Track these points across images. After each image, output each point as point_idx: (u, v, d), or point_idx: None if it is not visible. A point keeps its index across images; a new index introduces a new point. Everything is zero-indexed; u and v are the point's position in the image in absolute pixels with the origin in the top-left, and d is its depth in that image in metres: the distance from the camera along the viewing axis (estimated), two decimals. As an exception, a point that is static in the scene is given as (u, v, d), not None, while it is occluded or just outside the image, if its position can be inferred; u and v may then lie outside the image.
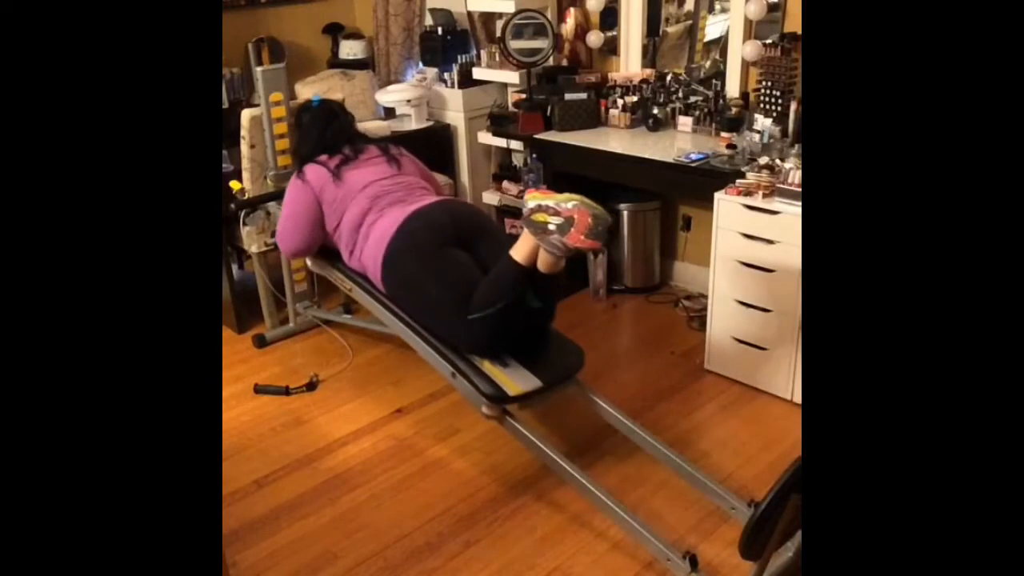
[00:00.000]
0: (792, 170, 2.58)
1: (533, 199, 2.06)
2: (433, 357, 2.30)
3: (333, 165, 2.57)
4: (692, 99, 3.32)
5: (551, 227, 1.98)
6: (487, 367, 2.20)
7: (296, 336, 3.39)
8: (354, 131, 2.80)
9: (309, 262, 2.79)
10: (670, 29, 3.52)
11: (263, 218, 3.10)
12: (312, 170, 2.59)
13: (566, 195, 2.02)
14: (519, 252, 2.10)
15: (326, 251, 2.69)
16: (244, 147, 3.07)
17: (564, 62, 3.74)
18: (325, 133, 2.70)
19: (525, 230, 2.06)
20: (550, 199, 2.02)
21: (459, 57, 3.97)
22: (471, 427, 2.66)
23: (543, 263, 2.07)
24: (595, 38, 3.53)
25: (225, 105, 3.92)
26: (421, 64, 4.21)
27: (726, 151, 2.88)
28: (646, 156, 3.00)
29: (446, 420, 2.73)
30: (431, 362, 2.33)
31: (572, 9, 3.62)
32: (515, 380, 2.17)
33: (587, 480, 2.07)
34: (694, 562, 1.90)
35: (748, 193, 2.63)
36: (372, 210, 2.44)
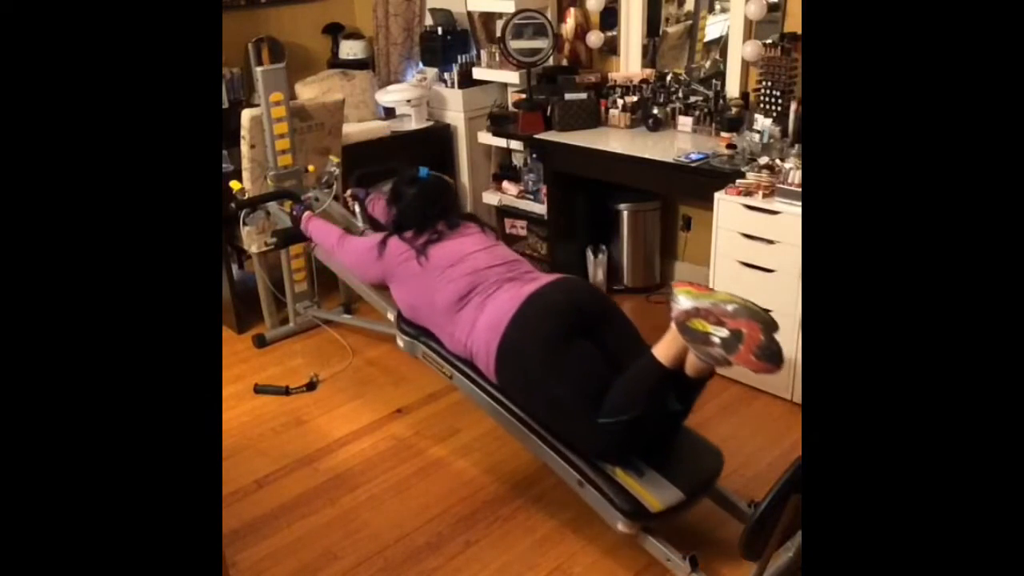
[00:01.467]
0: (792, 170, 2.58)
1: (686, 296, 1.77)
2: (556, 462, 2.03)
3: (420, 243, 2.26)
4: (692, 99, 3.32)
5: (715, 339, 1.69)
6: (620, 476, 1.93)
7: (296, 336, 3.39)
8: (455, 208, 2.52)
9: (401, 343, 2.43)
10: (670, 29, 3.52)
11: (263, 218, 3.10)
12: (395, 246, 2.29)
13: (723, 294, 1.75)
14: (665, 354, 1.82)
15: (418, 329, 2.35)
16: (244, 147, 3.07)
17: (564, 62, 3.74)
18: (428, 213, 2.35)
19: (675, 331, 1.78)
20: (706, 299, 1.74)
21: (459, 57, 3.97)
22: (471, 427, 2.67)
23: (693, 369, 1.81)
24: (595, 38, 3.53)
25: (225, 105, 3.92)
26: (421, 64, 4.21)
27: (726, 151, 2.88)
28: (646, 156, 3.00)
29: (446, 420, 2.73)
30: (553, 467, 2.06)
31: (572, 9, 3.62)
32: (654, 492, 1.90)
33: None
34: (694, 562, 1.89)
35: (748, 193, 2.63)
36: (478, 288, 2.13)
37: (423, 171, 2.53)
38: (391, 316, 2.51)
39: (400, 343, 2.43)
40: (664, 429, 2.01)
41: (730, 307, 1.70)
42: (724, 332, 1.68)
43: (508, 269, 2.20)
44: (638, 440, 1.94)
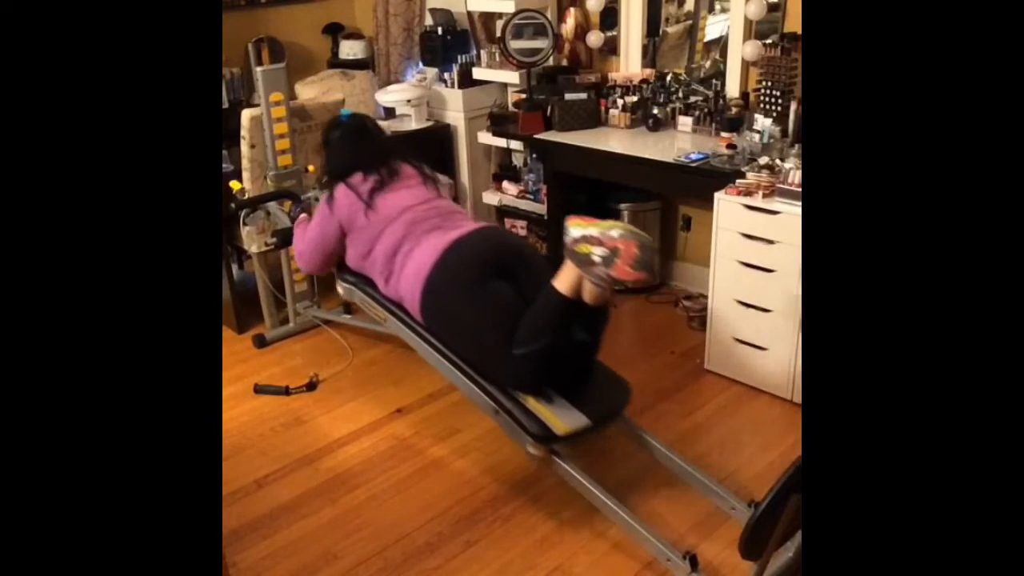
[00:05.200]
0: (792, 170, 2.58)
1: (576, 227, 1.95)
2: (475, 393, 2.20)
3: (366, 191, 2.40)
4: (692, 99, 3.33)
5: (596, 259, 1.89)
6: (532, 404, 2.09)
7: (296, 336, 3.39)
8: (386, 145, 2.67)
9: (341, 290, 2.64)
10: (670, 29, 3.52)
11: (263, 218, 3.10)
12: (342, 195, 2.42)
13: (609, 222, 1.93)
14: (563, 283, 1.99)
15: (357, 276, 2.54)
16: (244, 147, 3.07)
17: (564, 62, 3.74)
18: (357, 151, 2.54)
19: (568, 261, 1.96)
20: (593, 227, 1.93)
21: (459, 57, 3.97)
22: (471, 427, 2.66)
23: (589, 295, 1.97)
24: (595, 38, 3.53)
25: (225, 105, 3.92)
26: (421, 64, 4.21)
27: (726, 151, 2.88)
28: (646, 156, 3.00)
29: (446, 420, 2.73)
30: (473, 398, 2.23)
31: (572, 9, 3.62)
32: (562, 418, 2.06)
33: (587, 480, 2.07)
34: (694, 562, 1.90)
35: (748, 193, 2.63)
36: (408, 238, 2.31)
37: (344, 113, 2.73)
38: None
39: (340, 290, 2.66)
40: (574, 360, 2.17)
41: (612, 232, 1.90)
42: (604, 251, 1.89)
43: (441, 221, 2.35)
44: (549, 369, 2.09)
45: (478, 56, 4.01)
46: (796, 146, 2.78)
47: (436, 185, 2.54)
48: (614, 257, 1.88)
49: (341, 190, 2.43)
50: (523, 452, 2.42)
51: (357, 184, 2.41)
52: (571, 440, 2.07)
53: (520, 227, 3.93)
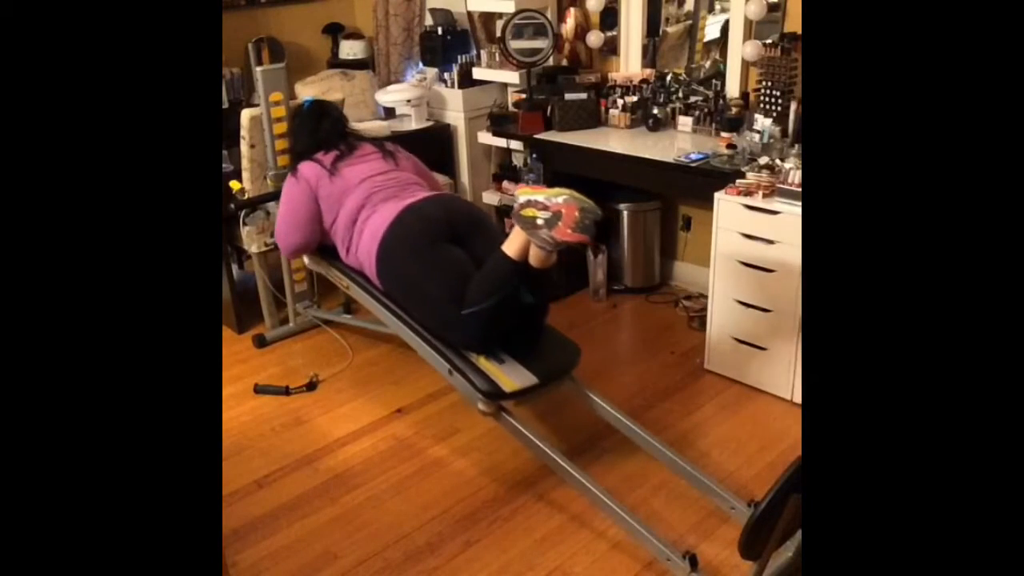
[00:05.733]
0: (792, 170, 2.58)
1: (524, 194, 2.06)
2: (430, 354, 2.31)
3: (329, 161, 2.59)
4: (692, 99, 3.32)
5: (539, 222, 1.99)
6: (483, 363, 2.21)
7: (296, 336, 3.39)
8: (346, 128, 2.84)
9: (307, 260, 2.80)
10: (670, 29, 3.52)
11: (263, 218, 3.10)
12: (306, 166, 2.61)
13: (556, 189, 2.03)
14: (511, 247, 2.11)
15: (323, 248, 2.70)
16: (244, 147, 3.07)
17: (564, 62, 3.74)
18: (317, 130, 2.75)
19: (515, 225, 2.07)
20: (540, 194, 2.03)
21: (459, 57, 3.97)
22: (471, 427, 2.66)
23: (534, 258, 2.08)
24: (595, 38, 3.53)
25: (225, 105, 3.92)
26: (421, 64, 4.21)
27: (726, 151, 2.88)
28: (646, 156, 3.00)
29: (446, 420, 2.73)
30: (428, 359, 2.35)
31: (572, 9, 3.62)
32: (511, 376, 2.18)
33: (587, 480, 2.07)
34: (694, 562, 1.90)
35: (748, 193, 2.63)
36: (366, 206, 2.45)
37: (307, 100, 2.91)
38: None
39: (306, 260, 2.83)
40: (523, 322, 2.26)
41: (558, 198, 1.99)
42: (547, 214, 1.99)
43: (398, 190, 2.49)
44: (497, 329, 2.20)
45: (478, 56, 4.01)
46: (796, 146, 2.78)
47: (395, 160, 2.67)
48: (556, 220, 1.97)
49: (305, 163, 2.61)
50: (523, 452, 2.42)
51: (320, 157, 2.61)
52: (519, 396, 2.19)
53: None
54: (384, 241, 2.31)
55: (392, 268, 2.32)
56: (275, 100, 3.00)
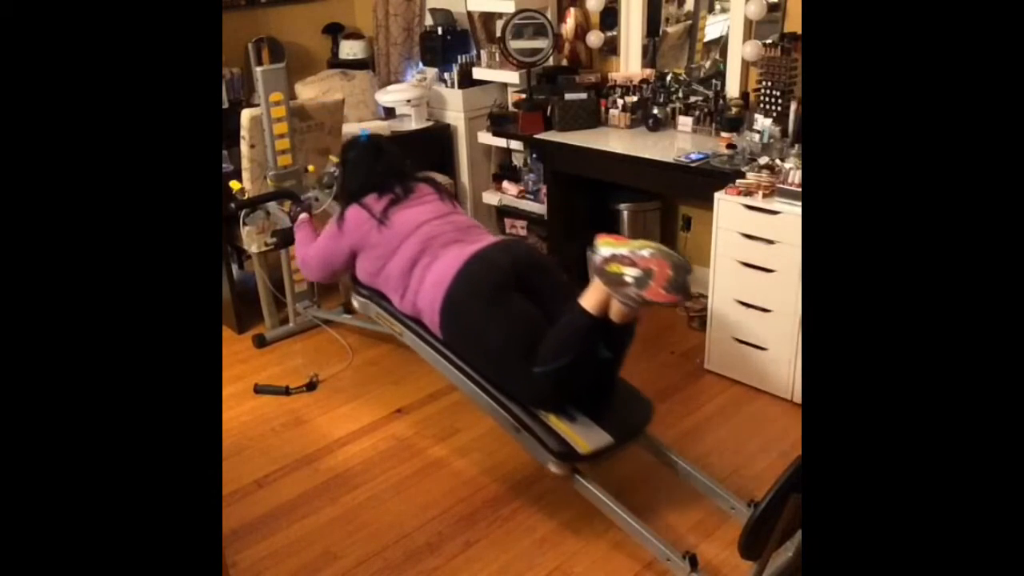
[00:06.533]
0: (792, 170, 2.58)
1: (606, 246, 1.91)
2: (495, 410, 2.15)
3: (380, 208, 2.35)
4: (692, 99, 3.32)
5: (628, 279, 1.83)
6: (554, 422, 2.04)
7: (296, 336, 3.39)
8: (403, 166, 2.59)
9: (356, 303, 2.57)
10: (670, 29, 3.52)
11: (263, 218, 3.10)
12: (354, 215, 2.37)
13: (640, 242, 1.88)
14: (590, 301, 1.94)
15: (372, 290, 2.46)
16: (244, 147, 3.07)
17: (564, 62, 3.74)
18: (374, 171, 2.47)
19: (596, 279, 1.91)
20: (623, 246, 1.88)
21: (459, 57, 3.97)
22: (471, 427, 2.67)
23: (617, 314, 1.93)
24: (595, 38, 3.53)
25: (225, 105, 3.92)
26: (421, 64, 4.21)
27: (726, 151, 2.88)
28: (646, 156, 3.00)
29: (446, 420, 2.73)
30: (493, 415, 2.19)
31: (572, 9, 3.62)
32: (584, 436, 2.02)
33: (588, 481, 2.07)
34: (694, 562, 1.90)
35: (748, 193, 2.63)
36: (426, 252, 2.25)
37: (363, 133, 2.67)
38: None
39: (355, 303, 2.58)
40: (596, 377, 2.11)
41: (644, 252, 1.85)
42: (637, 272, 1.83)
43: (459, 234, 2.31)
44: (571, 387, 2.05)
45: (478, 56, 4.01)
46: (796, 146, 2.78)
47: (454, 201, 2.49)
48: (647, 279, 1.82)
49: (353, 210, 2.38)
50: (523, 452, 2.42)
51: (371, 203, 2.37)
52: (594, 459, 2.03)
53: (520, 227, 3.93)
54: (450, 291, 2.13)
55: (457, 319, 2.14)
56: (275, 100, 3.00)
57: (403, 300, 2.31)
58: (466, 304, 2.11)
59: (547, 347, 1.99)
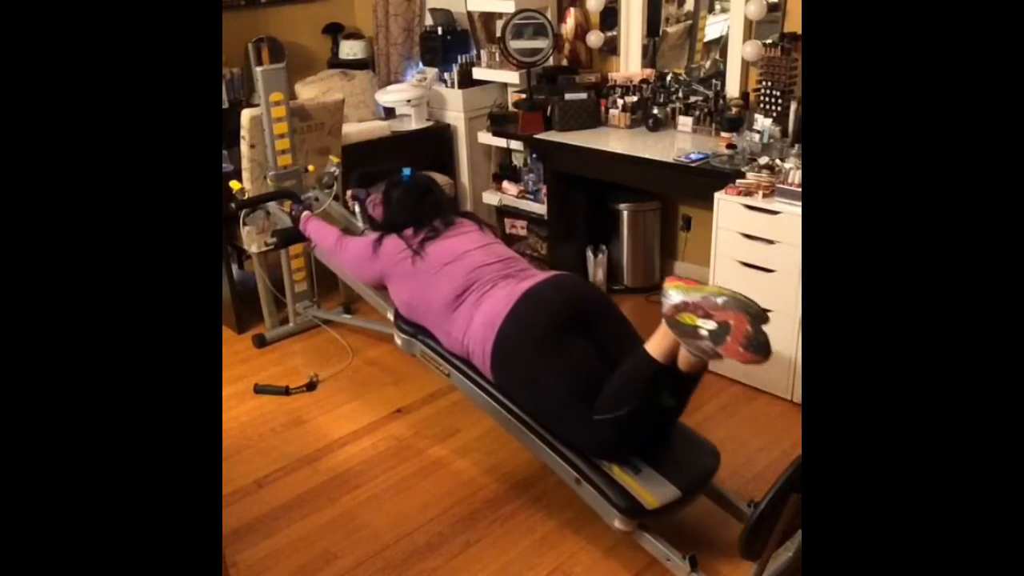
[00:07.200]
0: (792, 170, 2.58)
1: (675, 290, 1.74)
2: (553, 460, 2.03)
3: (417, 241, 2.28)
4: (692, 99, 3.33)
5: (703, 332, 1.67)
6: (617, 473, 1.93)
7: (296, 336, 3.39)
8: (447, 205, 2.54)
9: (399, 341, 2.45)
10: (670, 29, 3.52)
11: (263, 218, 3.10)
12: (391, 245, 2.31)
13: (714, 288, 1.73)
14: (656, 348, 1.82)
15: (415, 327, 2.36)
16: (244, 147, 3.07)
17: (564, 62, 3.74)
18: (419, 207, 2.40)
19: (665, 325, 1.77)
20: (696, 292, 1.72)
21: (459, 57, 3.98)
22: (471, 427, 2.66)
23: (684, 363, 1.79)
24: (595, 38, 3.54)
25: (225, 105, 3.93)
26: (421, 64, 4.21)
27: (726, 151, 2.88)
28: (646, 156, 3.00)
29: (446, 420, 2.73)
30: (551, 465, 2.06)
31: (572, 9, 3.62)
32: (650, 489, 1.90)
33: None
34: (694, 562, 1.89)
35: (748, 193, 2.63)
36: (473, 288, 2.14)
37: (406, 172, 2.61)
38: (390, 316, 2.52)
39: (398, 341, 2.45)
40: (659, 425, 2.00)
41: (719, 300, 1.68)
42: (712, 324, 1.66)
43: (504, 267, 2.20)
44: (633, 436, 1.93)
45: (478, 56, 4.01)
46: (796, 146, 2.78)
47: (495, 233, 2.42)
48: (724, 334, 1.65)
49: (391, 240, 2.33)
50: (523, 452, 2.42)
51: (408, 236, 2.32)
52: (662, 514, 1.92)
53: (520, 227, 3.93)
54: (501, 332, 2.00)
55: (510, 363, 2.02)
56: (275, 100, 3.00)
57: (450, 339, 2.19)
58: (519, 347, 1.99)
59: (609, 394, 1.87)
